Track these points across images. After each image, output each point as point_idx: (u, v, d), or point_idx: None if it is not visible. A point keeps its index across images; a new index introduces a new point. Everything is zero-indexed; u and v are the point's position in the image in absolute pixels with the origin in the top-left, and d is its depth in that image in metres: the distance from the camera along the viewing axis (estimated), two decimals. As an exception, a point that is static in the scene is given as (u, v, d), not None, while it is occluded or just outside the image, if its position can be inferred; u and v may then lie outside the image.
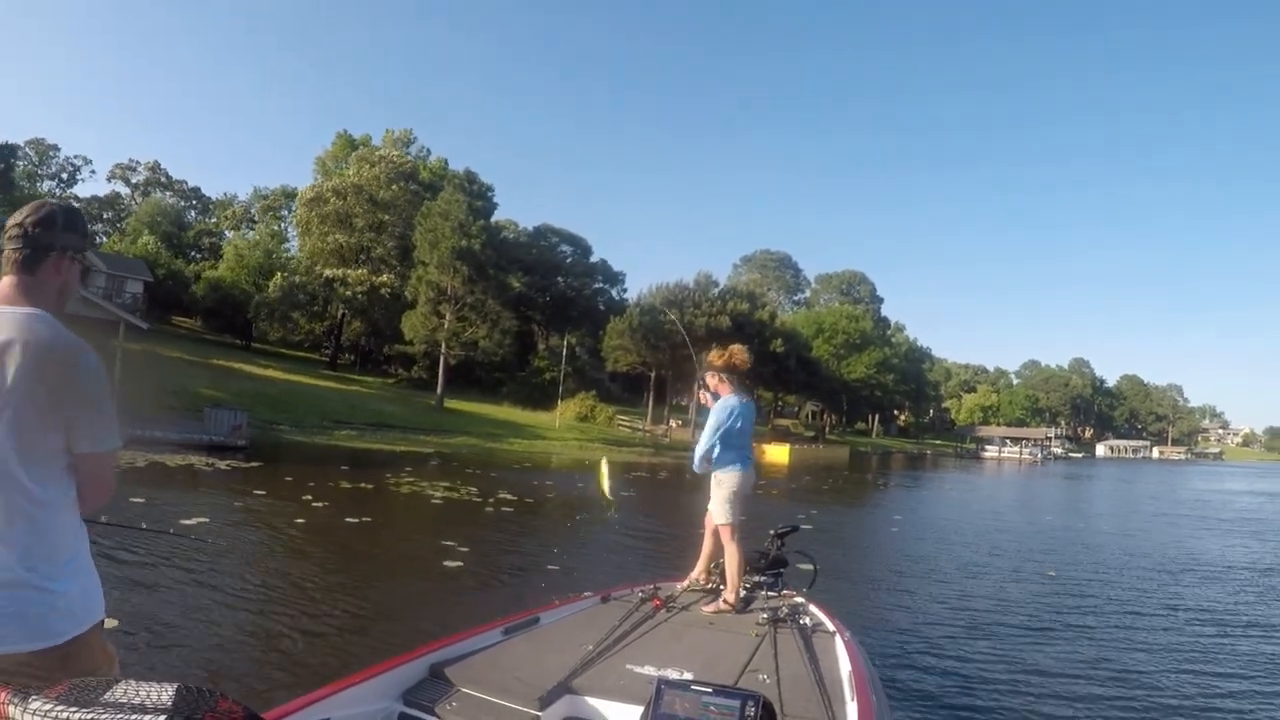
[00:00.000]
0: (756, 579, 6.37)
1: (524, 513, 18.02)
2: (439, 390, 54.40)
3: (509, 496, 20.22)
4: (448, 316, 53.99)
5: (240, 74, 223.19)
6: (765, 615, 5.44)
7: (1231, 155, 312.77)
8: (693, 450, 6.39)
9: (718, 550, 6.25)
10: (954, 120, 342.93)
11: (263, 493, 17.05)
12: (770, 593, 6.29)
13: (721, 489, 6.10)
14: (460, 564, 11.36)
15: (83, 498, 2.35)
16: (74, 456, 2.29)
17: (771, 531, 6.89)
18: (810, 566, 7.08)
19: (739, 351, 6.39)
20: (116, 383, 28.28)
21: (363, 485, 20.09)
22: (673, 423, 66.43)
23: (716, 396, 6.32)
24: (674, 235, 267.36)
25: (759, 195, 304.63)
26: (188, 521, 12.78)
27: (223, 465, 21.68)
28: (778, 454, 55.65)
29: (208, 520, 13.13)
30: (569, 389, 64.64)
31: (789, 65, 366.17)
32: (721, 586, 6.07)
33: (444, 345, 54.24)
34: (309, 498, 16.64)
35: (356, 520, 14.45)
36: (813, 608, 5.85)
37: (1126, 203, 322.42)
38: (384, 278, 61.82)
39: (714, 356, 6.37)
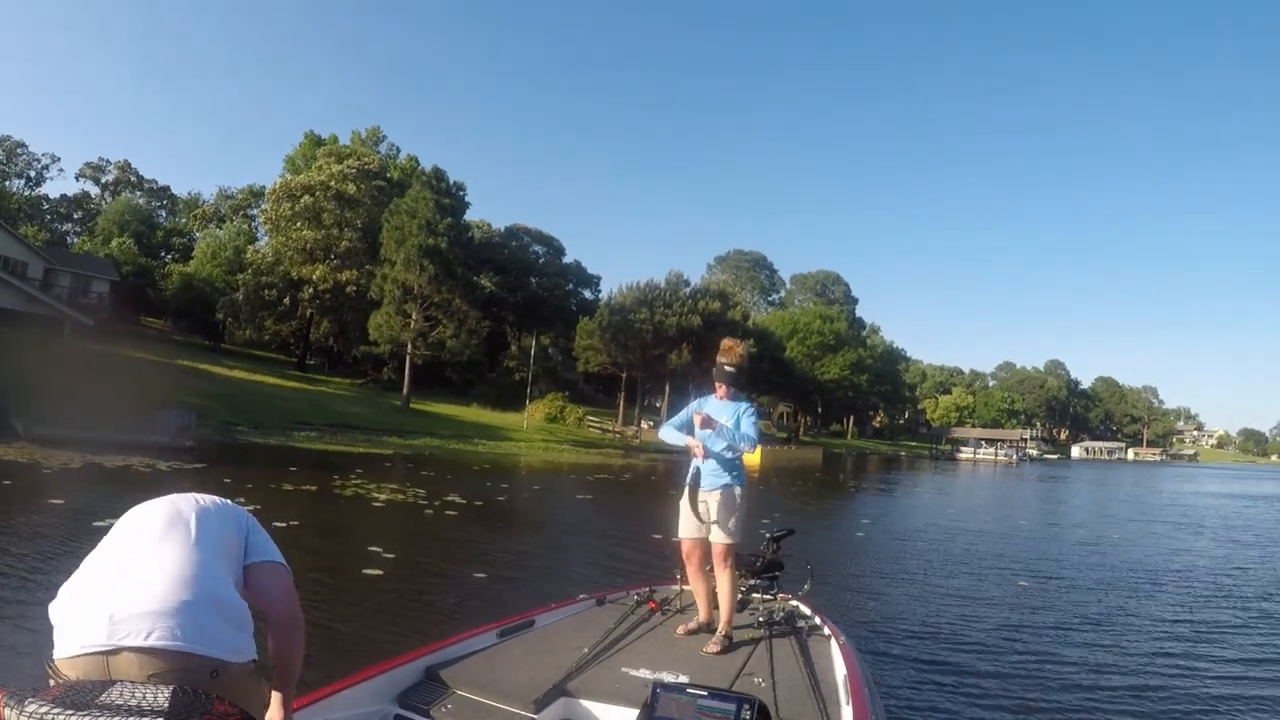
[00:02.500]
0: (751, 582, 6.30)
1: (469, 517, 17.41)
2: (405, 391, 53.70)
3: (457, 499, 19.63)
4: (414, 316, 53.26)
5: (211, 73, 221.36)
6: (761, 618, 5.41)
7: (1204, 157, 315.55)
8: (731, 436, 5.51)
9: (710, 582, 5.59)
10: (929, 124, 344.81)
11: (194, 495, 16.45)
12: (766, 596, 6.25)
13: (738, 505, 5.52)
14: (381, 572, 10.74)
15: None
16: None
17: (767, 535, 6.79)
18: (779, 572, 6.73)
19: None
20: (63, 381, 27.90)
21: (306, 487, 19.47)
22: (644, 424, 65.96)
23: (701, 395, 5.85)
24: (649, 239, 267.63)
25: (735, 196, 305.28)
26: (99, 524, 12.17)
27: (163, 467, 20.94)
28: (748, 456, 54.50)
29: (121, 523, 12.54)
30: (542, 390, 64.18)
31: (763, 68, 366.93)
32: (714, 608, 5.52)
33: (410, 345, 53.57)
34: (241, 500, 15.99)
35: (284, 524, 13.80)
36: (808, 611, 5.86)
37: (1100, 205, 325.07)
38: (347, 274, 60.93)
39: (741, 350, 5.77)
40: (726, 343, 5.78)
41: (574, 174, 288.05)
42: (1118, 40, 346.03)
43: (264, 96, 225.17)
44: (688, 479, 5.52)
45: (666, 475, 37.26)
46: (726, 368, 5.61)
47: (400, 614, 8.88)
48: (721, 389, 5.65)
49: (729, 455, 5.53)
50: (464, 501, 19.49)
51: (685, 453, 5.65)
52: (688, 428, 5.62)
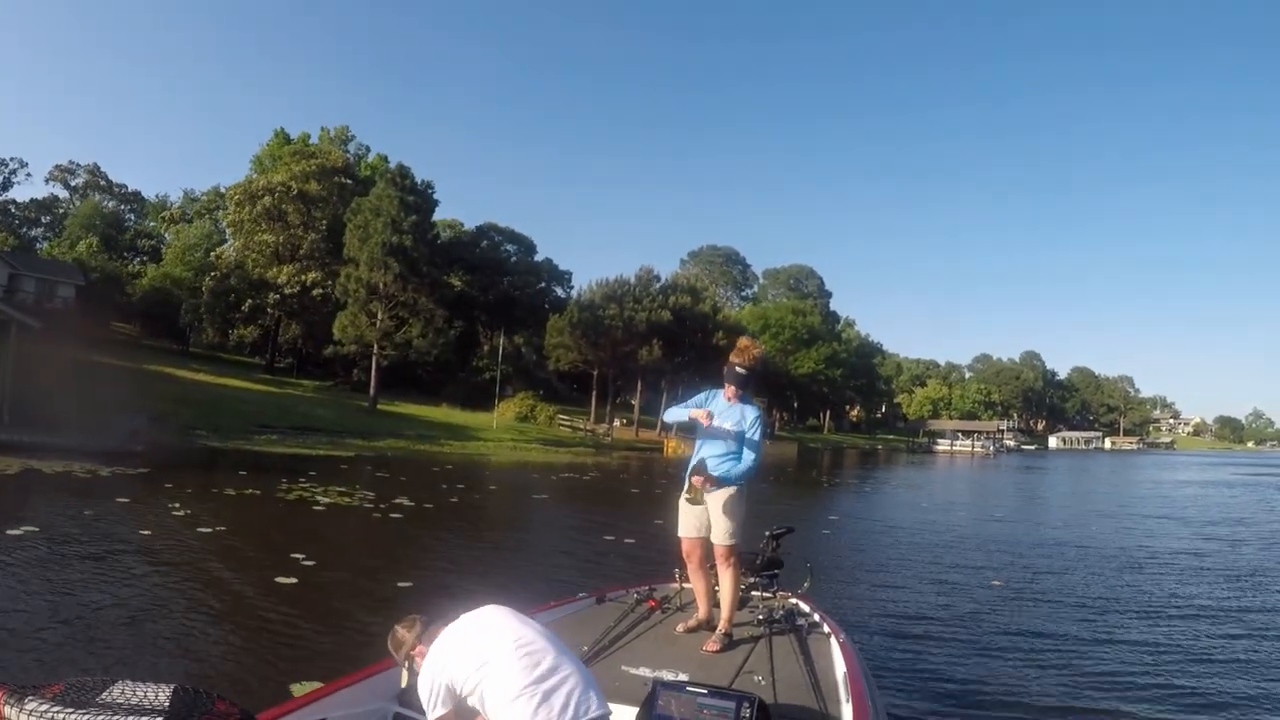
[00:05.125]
0: (751, 580, 6.28)
1: (413, 520, 17.02)
2: (372, 392, 53.26)
3: (406, 502, 19.22)
4: (380, 316, 52.86)
5: (186, 72, 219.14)
6: (761, 616, 5.42)
7: (1176, 150, 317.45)
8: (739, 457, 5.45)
9: (710, 580, 5.58)
10: (904, 122, 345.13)
11: (126, 500, 15.98)
12: (765, 594, 6.26)
13: (739, 506, 5.42)
14: (295, 580, 10.33)
15: None
16: None
17: (766, 533, 6.75)
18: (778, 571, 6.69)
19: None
20: (9, 387, 27.37)
21: (249, 491, 19.01)
22: (617, 421, 65.73)
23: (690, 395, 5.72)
24: (622, 235, 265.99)
25: (708, 191, 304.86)
26: (14, 531, 11.82)
27: (104, 472, 20.44)
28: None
29: (37, 530, 12.15)
30: (516, 389, 63.98)
31: (736, 64, 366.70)
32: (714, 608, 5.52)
33: (376, 346, 53.12)
34: (176, 505, 15.63)
35: (209, 530, 13.46)
36: (808, 609, 5.91)
37: (1074, 197, 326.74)
38: (312, 275, 60.27)
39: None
40: (742, 342, 5.65)
41: (546, 172, 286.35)
42: (1096, 42, 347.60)
43: (238, 95, 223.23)
44: (690, 468, 5.40)
45: (638, 474, 37.08)
46: (738, 369, 5.42)
47: (290, 631, 8.32)
48: (730, 389, 5.47)
49: (730, 456, 5.39)
50: (412, 504, 19.08)
51: (689, 447, 5.63)
52: (693, 407, 5.48)
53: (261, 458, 28.45)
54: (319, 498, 18.86)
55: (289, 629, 8.34)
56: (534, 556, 14.24)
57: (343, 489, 20.73)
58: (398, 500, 19.42)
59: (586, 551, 14.84)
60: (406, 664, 3.57)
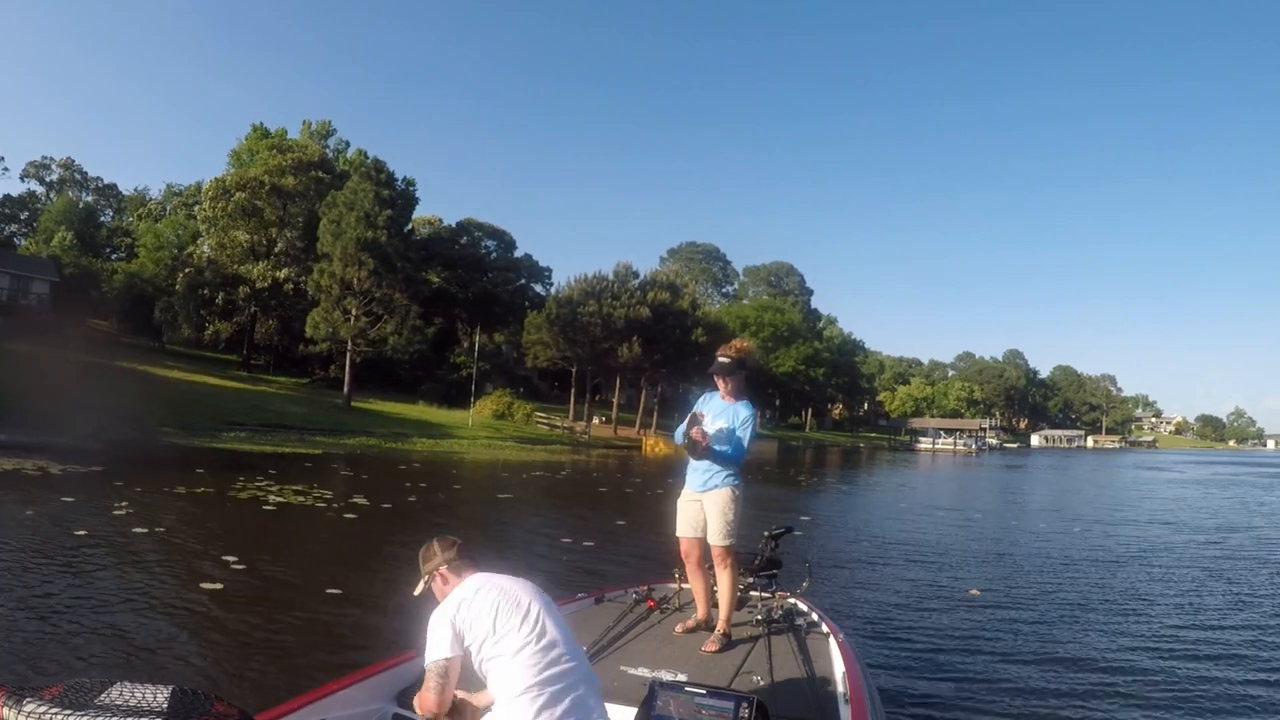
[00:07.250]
0: (750, 580, 6.29)
1: (366, 520, 16.63)
2: (345, 389, 52.85)
3: (362, 502, 18.87)
4: (354, 312, 52.45)
5: (164, 66, 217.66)
6: (759, 616, 5.49)
7: (1162, 149, 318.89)
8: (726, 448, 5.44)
9: (709, 580, 5.61)
10: (888, 121, 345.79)
11: (71, 499, 15.60)
12: (764, 594, 6.25)
13: (733, 506, 5.45)
14: (221, 586, 9.88)
15: None
16: None
17: (765, 533, 6.79)
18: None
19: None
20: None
21: (201, 490, 18.64)
22: (595, 419, 65.47)
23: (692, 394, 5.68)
24: (602, 233, 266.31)
25: (689, 189, 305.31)
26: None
27: (55, 470, 20.15)
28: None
29: (-34, 531, 11.90)
30: (496, 387, 63.66)
31: (721, 59, 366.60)
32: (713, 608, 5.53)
33: (350, 342, 52.71)
34: (121, 503, 15.33)
35: (146, 530, 13.15)
36: (806, 608, 5.92)
37: (1058, 195, 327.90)
38: (285, 272, 59.74)
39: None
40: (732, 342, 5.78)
41: (528, 169, 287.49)
42: (1082, 41, 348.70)
43: (230, 93, 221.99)
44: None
45: (611, 473, 36.85)
46: (720, 358, 5.53)
47: (197, 642, 7.91)
48: (723, 387, 5.55)
49: (724, 456, 5.41)
50: (369, 503, 18.73)
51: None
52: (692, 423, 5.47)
53: (225, 455, 28.10)
54: (272, 497, 18.53)
55: (195, 639, 7.97)
56: (482, 562, 13.84)
57: (299, 488, 20.38)
58: (354, 500, 19.12)
59: (540, 556, 14.36)
60: (426, 578, 3.70)
